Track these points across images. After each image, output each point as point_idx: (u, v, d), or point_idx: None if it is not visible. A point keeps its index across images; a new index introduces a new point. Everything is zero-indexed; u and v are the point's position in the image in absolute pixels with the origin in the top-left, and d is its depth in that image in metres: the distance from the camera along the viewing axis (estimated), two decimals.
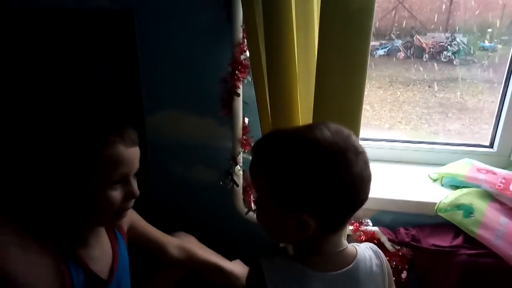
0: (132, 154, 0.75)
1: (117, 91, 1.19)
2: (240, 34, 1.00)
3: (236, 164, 1.11)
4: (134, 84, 1.16)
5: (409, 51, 1.40)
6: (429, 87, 1.38)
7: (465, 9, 1.27)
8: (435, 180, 1.17)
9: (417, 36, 1.38)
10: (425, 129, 1.38)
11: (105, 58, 1.15)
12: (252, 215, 1.15)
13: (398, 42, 1.40)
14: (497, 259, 0.94)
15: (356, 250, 0.70)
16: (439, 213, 1.02)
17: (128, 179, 0.75)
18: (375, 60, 1.39)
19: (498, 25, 1.24)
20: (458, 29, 1.33)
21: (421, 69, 1.38)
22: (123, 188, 0.75)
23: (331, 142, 0.59)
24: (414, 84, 1.41)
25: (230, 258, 1.07)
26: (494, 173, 1.07)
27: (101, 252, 0.82)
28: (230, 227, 1.23)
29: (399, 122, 1.42)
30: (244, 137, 1.10)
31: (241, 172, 1.12)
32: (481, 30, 1.29)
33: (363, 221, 1.07)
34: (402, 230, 1.06)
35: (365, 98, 0.84)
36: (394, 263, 1.02)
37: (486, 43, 1.29)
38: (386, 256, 1.01)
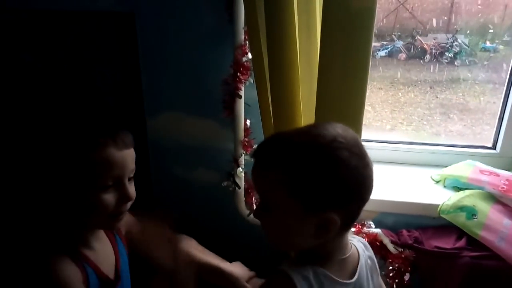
0: (125, 157, 0.74)
1: (118, 93, 1.19)
2: (242, 35, 1.00)
3: (238, 166, 1.11)
4: (136, 86, 1.16)
5: (410, 52, 1.40)
6: (431, 88, 1.38)
7: (467, 10, 1.27)
8: (437, 182, 1.16)
9: (419, 37, 1.38)
10: (427, 130, 1.38)
11: (106, 60, 1.15)
12: (254, 218, 1.14)
13: (400, 43, 1.40)
14: (501, 261, 0.94)
15: (356, 249, 0.70)
16: (441, 215, 1.02)
17: (122, 182, 0.74)
18: (377, 61, 1.39)
19: (499, 26, 1.24)
20: (459, 30, 1.33)
21: (423, 70, 1.38)
22: (117, 191, 0.74)
23: (347, 137, 0.60)
24: (415, 85, 1.41)
25: (231, 260, 1.07)
26: (497, 175, 1.07)
27: (105, 254, 0.82)
28: (232, 229, 1.23)
29: (401, 123, 1.41)
30: (246, 139, 1.09)
31: (242, 174, 1.12)
32: (482, 31, 1.28)
33: (365, 223, 1.07)
34: (404, 232, 1.06)
35: (366, 99, 0.84)
36: (396, 265, 1.01)
37: (488, 44, 1.29)
38: (388, 258, 1.03)
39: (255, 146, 1.10)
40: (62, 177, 0.71)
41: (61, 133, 0.73)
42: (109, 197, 0.73)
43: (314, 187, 0.58)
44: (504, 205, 1.03)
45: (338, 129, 0.61)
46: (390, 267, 1.02)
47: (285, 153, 0.60)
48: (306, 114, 0.93)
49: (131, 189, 0.77)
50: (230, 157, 1.12)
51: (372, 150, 1.26)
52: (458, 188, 1.11)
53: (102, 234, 0.84)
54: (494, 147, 1.23)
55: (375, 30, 0.78)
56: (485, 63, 1.30)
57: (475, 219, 0.98)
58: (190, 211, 1.28)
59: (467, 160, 1.18)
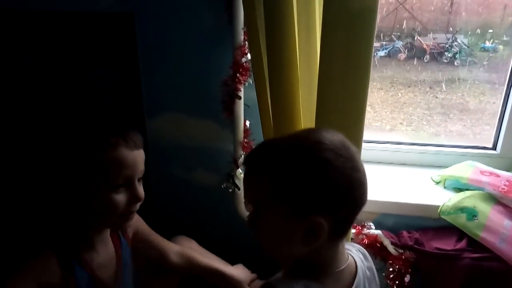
0: (136, 157, 0.74)
1: (118, 93, 1.18)
2: (241, 36, 1.00)
3: (238, 167, 1.11)
4: (135, 87, 1.16)
5: (410, 52, 1.40)
6: (430, 88, 1.38)
7: (466, 10, 1.27)
8: (437, 183, 1.16)
9: (418, 37, 1.38)
10: (427, 130, 1.38)
11: (106, 61, 1.15)
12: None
13: (399, 43, 1.39)
14: (501, 262, 0.94)
15: (354, 260, 0.69)
16: (442, 216, 1.02)
17: (133, 182, 0.75)
18: (376, 61, 1.39)
19: (499, 26, 1.24)
20: (459, 30, 1.32)
21: (422, 70, 1.38)
22: (127, 191, 0.74)
23: (332, 140, 0.59)
24: (415, 85, 1.41)
25: (232, 261, 1.06)
26: (498, 176, 1.07)
27: (107, 258, 0.82)
28: (232, 230, 1.22)
29: (400, 123, 1.41)
30: (245, 140, 1.09)
31: (242, 175, 1.12)
32: (482, 31, 1.28)
33: (365, 224, 1.07)
34: (405, 233, 1.06)
35: None
36: (397, 266, 1.01)
37: (487, 44, 1.29)
38: (389, 259, 1.03)
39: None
40: (74, 177, 0.72)
41: (73, 133, 0.73)
42: (120, 197, 0.73)
43: (298, 189, 0.58)
44: (504, 206, 1.02)
45: (325, 133, 0.60)
46: (391, 269, 1.02)
47: (270, 157, 0.61)
48: (305, 114, 0.92)
49: (141, 189, 0.77)
50: (229, 158, 1.12)
51: (372, 151, 1.26)
52: (458, 189, 1.10)
53: (107, 237, 0.83)
54: (494, 147, 1.23)
55: None
56: (485, 63, 1.30)
57: (476, 220, 0.98)
58: (189, 212, 1.28)
59: (467, 161, 1.17)
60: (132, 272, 0.89)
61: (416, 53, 1.39)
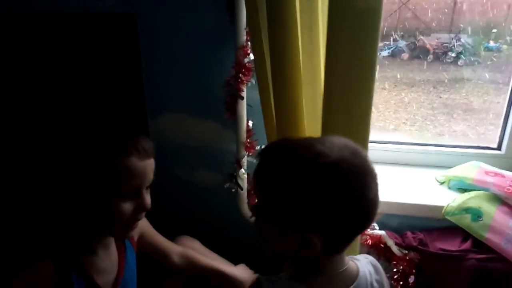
0: (146, 166, 0.73)
1: (120, 94, 1.18)
2: (243, 36, 1.00)
3: (241, 168, 1.10)
4: (138, 87, 1.16)
5: (413, 52, 1.39)
6: (434, 88, 1.37)
7: (470, 10, 1.26)
8: (442, 183, 1.15)
9: (421, 37, 1.37)
10: (430, 130, 1.37)
11: (108, 61, 1.15)
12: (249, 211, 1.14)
13: (402, 43, 1.39)
14: (507, 263, 0.93)
15: (358, 267, 0.67)
16: (446, 217, 1.01)
17: (141, 191, 0.74)
18: (379, 61, 1.38)
19: (503, 25, 1.23)
20: (462, 29, 1.32)
21: (426, 70, 1.37)
22: (134, 200, 0.73)
23: (351, 164, 0.56)
24: (418, 85, 1.40)
25: (235, 261, 1.06)
26: (503, 176, 1.06)
27: (109, 263, 0.81)
28: (235, 230, 1.22)
29: (404, 123, 1.41)
30: (248, 140, 1.09)
31: (245, 176, 1.12)
32: (486, 30, 1.28)
33: None
34: (409, 234, 1.05)
35: None
36: (401, 267, 1.00)
37: (491, 44, 1.28)
38: (393, 260, 1.02)
39: (257, 148, 1.09)
40: (82, 183, 0.70)
41: (83, 140, 0.72)
42: (126, 206, 0.72)
43: (298, 208, 0.56)
44: (510, 206, 1.02)
45: (345, 152, 0.57)
46: (395, 270, 1.02)
47: (281, 164, 0.59)
48: (309, 115, 0.92)
49: (148, 198, 0.76)
50: (232, 159, 1.12)
51: (376, 151, 1.26)
52: (463, 190, 1.10)
53: (111, 242, 0.83)
54: (499, 148, 1.22)
55: None
56: (489, 62, 1.29)
57: (481, 221, 0.97)
58: (192, 212, 1.28)
59: (472, 161, 1.17)
60: (137, 274, 0.89)
61: (419, 53, 1.38)
